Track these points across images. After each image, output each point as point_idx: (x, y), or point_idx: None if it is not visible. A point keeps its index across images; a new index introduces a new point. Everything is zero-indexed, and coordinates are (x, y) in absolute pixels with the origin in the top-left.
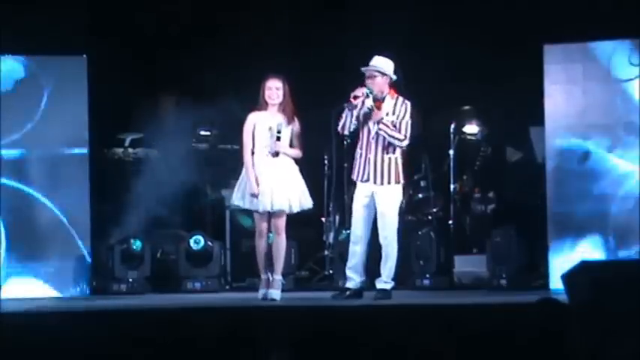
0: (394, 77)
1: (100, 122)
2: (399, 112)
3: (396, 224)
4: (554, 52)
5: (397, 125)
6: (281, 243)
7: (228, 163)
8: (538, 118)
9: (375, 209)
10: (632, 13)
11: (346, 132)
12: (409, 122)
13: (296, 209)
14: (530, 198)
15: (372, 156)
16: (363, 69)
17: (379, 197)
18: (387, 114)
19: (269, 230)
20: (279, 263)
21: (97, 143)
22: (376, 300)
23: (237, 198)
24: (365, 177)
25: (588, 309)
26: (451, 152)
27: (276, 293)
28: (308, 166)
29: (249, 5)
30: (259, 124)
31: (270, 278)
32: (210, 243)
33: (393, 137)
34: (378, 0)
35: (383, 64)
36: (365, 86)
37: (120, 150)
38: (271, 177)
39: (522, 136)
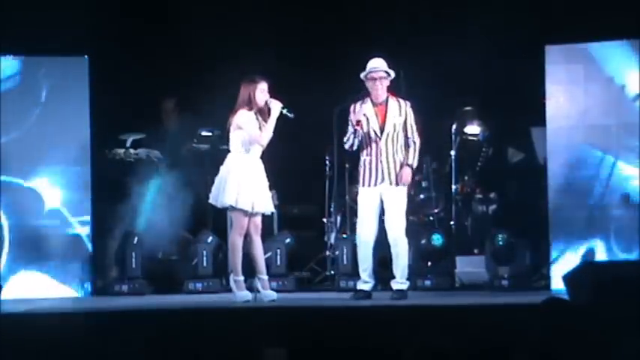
0: (393, 75)
1: (102, 123)
2: (405, 114)
3: (404, 224)
4: (556, 53)
5: (406, 128)
6: (259, 242)
7: None
8: (539, 118)
9: (381, 211)
10: (633, 13)
11: (354, 149)
12: (414, 122)
13: (267, 211)
14: (532, 198)
15: (383, 158)
16: (367, 71)
17: (389, 198)
18: (394, 116)
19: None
20: (263, 262)
21: (99, 144)
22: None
23: (213, 197)
24: (378, 180)
25: (590, 309)
26: (452, 153)
27: (272, 293)
28: (309, 167)
29: (250, 4)
30: (239, 125)
31: (263, 278)
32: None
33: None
34: (378, 0)
35: (385, 65)
36: (360, 101)
37: (121, 150)
38: (248, 177)
39: (524, 137)
